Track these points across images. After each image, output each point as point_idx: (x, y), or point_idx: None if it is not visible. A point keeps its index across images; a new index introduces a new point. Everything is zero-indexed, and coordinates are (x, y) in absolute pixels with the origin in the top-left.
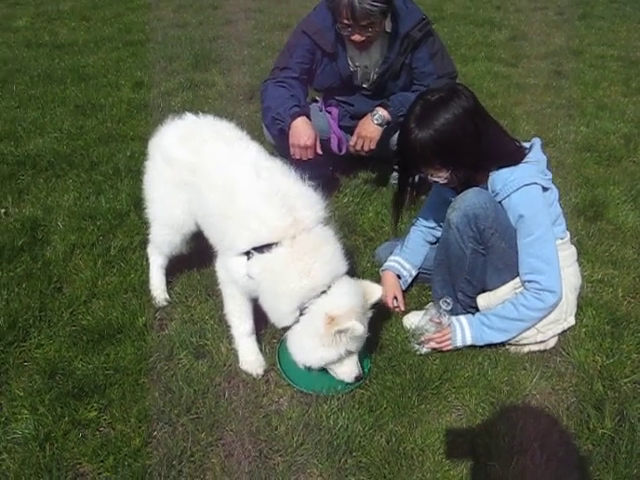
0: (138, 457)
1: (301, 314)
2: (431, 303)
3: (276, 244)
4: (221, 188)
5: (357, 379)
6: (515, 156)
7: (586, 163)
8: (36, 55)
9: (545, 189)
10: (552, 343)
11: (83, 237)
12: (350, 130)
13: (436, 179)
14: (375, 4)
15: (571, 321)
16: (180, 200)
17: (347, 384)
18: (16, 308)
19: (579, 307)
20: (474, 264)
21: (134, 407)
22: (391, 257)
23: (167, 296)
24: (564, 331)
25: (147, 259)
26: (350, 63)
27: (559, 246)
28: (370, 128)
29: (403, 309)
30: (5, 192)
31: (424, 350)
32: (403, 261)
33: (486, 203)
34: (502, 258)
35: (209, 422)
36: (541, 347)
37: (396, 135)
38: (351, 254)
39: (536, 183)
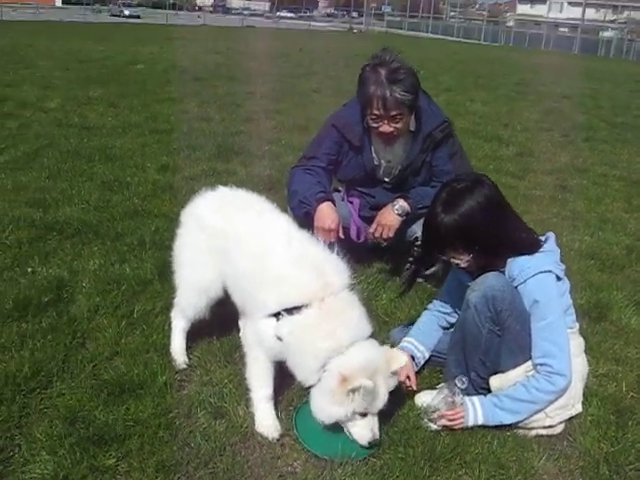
0: None
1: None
2: (444, 383)
3: (306, 306)
4: (253, 254)
5: (370, 444)
6: (532, 245)
7: (590, 269)
8: (66, 134)
9: (559, 279)
10: (559, 429)
11: (107, 299)
12: (369, 220)
13: (457, 261)
14: (405, 94)
15: (578, 408)
16: (210, 265)
17: (361, 451)
18: (40, 358)
19: (585, 397)
20: (489, 344)
21: (152, 458)
22: (405, 338)
23: (187, 359)
24: (571, 418)
25: (169, 323)
26: (375, 157)
27: (569, 335)
28: (390, 217)
29: (415, 389)
30: (32, 253)
31: (435, 427)
32: (417, 343)
33: (504, 286)
34: (516, 340)
35: (226, 477)
36: (548, 432)
37: (414, 226)
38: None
39: (551, 271)
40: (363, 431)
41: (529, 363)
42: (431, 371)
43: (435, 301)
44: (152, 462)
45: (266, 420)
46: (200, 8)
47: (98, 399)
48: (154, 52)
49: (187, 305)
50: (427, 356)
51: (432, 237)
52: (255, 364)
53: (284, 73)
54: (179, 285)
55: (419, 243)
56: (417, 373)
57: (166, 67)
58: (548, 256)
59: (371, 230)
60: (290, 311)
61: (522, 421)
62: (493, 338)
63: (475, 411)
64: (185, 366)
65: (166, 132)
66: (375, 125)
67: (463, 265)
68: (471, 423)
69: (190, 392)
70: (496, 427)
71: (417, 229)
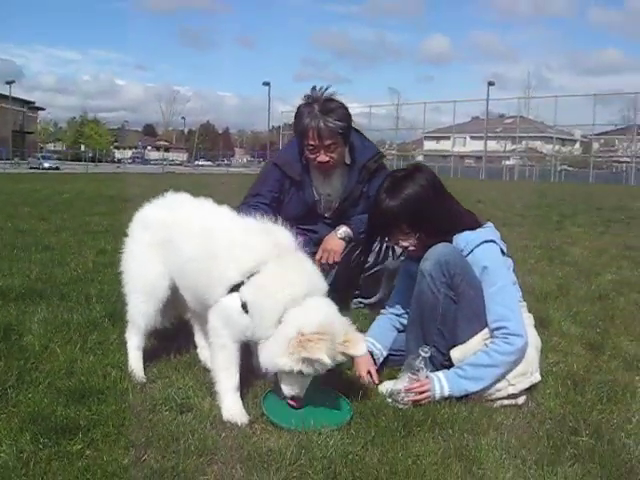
0: (127, 473)
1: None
2: (406, 363)
3: (264, 264)
4: (200, 234)
5: (293, 398)
6: (473, 223)
7: (526, 300)
8: (0, 234)
9: (503, 253)
10: (521, 400)
11: (58, 336)
12: (313, 255)
13: (405, 244)
14: (337, 122)
15: (537, 377)
16: (156, 262)
17: (333, 422)
18: None
19: (541, 375)
20: (446, 311)
21: (120, 441)
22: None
23: (144, 376)
24: (531, 387)
25: (125, 344)
26: (315, 192)
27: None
28: (334, 242)
29: (377, 382)
30: None
31: (402, 406)
32: (374, 341)
33: (454, 251)
34: (471, 306)
35: (199, 447)
36: (512, 402)
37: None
38: None
39: (495, 242)
40: (294, 386)
41: (486, 330)
42: (390, 370)
43: (387, 305)
44: (121, 444)
45: (233, 409)
46: (119, 160)
47: (57, 403)
48: (78, 187)
49: (137, 314)
50: (385, 354)
51: (379, 223)
52: (221, 353)
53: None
54: (128, 294)
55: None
56: (377, 371)
57: (92, 195)
58: (491, 230)
59: (317, 257)
60: (250, 277)
61: (487, 388)
62: (449, 304)
63: (440, 383)
64: (144, 381)
65: (101, 232)
66: (312, 156)
67: (411, 248)
68: (438, 395)
69: (153, 392)
70: (461, 400)
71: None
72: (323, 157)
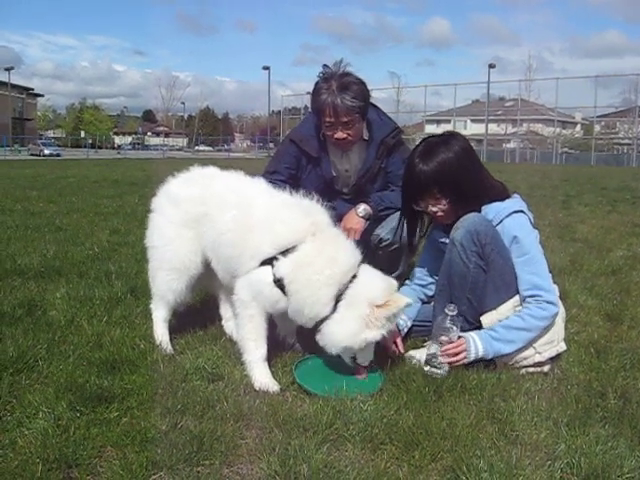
0: (167, 437)
1: (337, 301)
2: (435, 326)
3: (300, 243)
4: (237, 207)
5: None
6: (502, 192)
7: None
8: (11, 216)
9: (531, 223)
10: (547, 368)
11: (82, 310)
12: None
13: (435, 209)
14: (354, 100)
15: (563, 346)
16: (187, 239)
17: (365, 388)
18: (24, 346)
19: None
20: (476, 280)
21: (156, 409)
22: None
23: (171, 348)
24: (557, 355)
25: (150, 317)
26: (333, 169)
27: None
28: (355, 220)
29: (403, 352)
30: None
31: (440, 372)
32: None
33: (485, 221)
34: (501, 275)
35: (235, 412)
36: (537, 369)
37: (377, 229)
38: None
39: (524, 212)
40: (369, 354)
41: (516, 298)
42: (415, 341)
43: (411, 276)
44: (157, 411)
45: (264, 378)
46: (119, 146)
47: (90, 373)
48: (82, 172)
49: (166, 289)
50: (409, 324)
51: (411, 186)
52: (250, 323)
53: None
54: (156, 270)
55: (384, 245)
56: (402, 341)
57: (98, 179)
58: (519, 201)
59: None
60: (285, 253)
61: (515, 354)
62: (479, 274)
63: (475, 343)
64: (172, 352)
65: (111, 214)
66: (329, 133)
67: (440, 213)
68: (473, 355)
69: (184, 363)
70: (488, 367)
71: (380, 232)
72: (340, 134)
